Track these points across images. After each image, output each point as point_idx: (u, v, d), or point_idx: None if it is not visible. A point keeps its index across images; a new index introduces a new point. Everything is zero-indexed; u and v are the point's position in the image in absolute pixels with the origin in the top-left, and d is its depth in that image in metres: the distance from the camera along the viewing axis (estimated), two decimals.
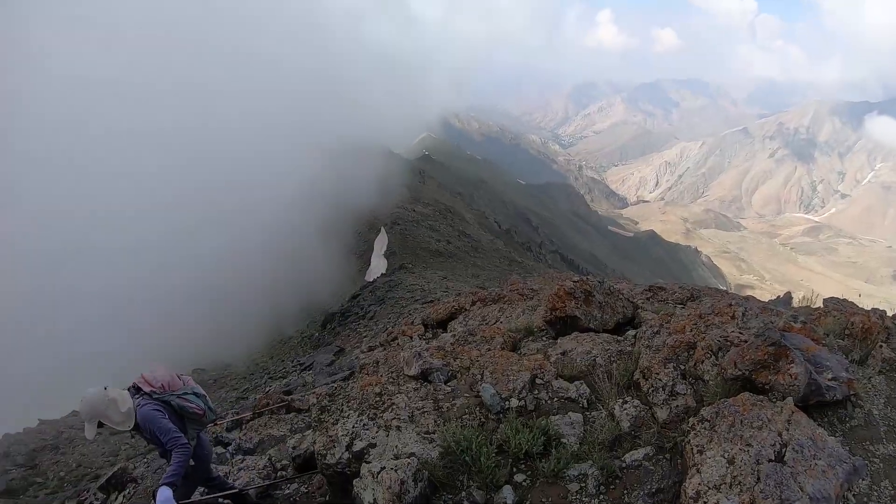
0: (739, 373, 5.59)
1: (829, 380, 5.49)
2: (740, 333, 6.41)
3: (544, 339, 9.05)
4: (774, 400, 5.23)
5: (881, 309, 10.51)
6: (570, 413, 6.02)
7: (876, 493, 4.65)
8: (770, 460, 4.50)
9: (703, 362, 6.13)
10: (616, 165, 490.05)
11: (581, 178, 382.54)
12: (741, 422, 4.85)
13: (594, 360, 7.22)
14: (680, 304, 12.11)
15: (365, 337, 30.19)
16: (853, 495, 4.60)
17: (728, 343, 6.21)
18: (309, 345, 40.81)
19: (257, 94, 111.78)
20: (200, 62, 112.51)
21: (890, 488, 4.71)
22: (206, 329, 52.89)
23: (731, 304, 7.64)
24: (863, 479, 4.73)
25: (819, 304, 10.99)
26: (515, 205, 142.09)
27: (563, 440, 5.63)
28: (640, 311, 9.82)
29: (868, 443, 5.25)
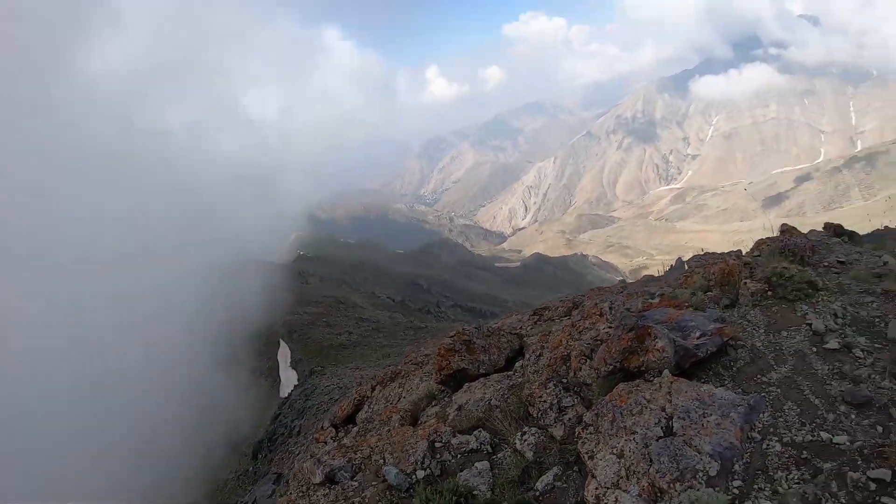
0: (611, 367, 5.72)
1: (697, 338, 5.68)
2: (609, 329, 6.62)
3: (445, 399, 9.04)
4: (652, 378, 5.39)
5: (736, 250, 11.16)
6: (475, 464, 6.04)
7: (782, 419, 4.74)
8: (659, 438, 4.59)
9: (580, 369, 6.28)
10: (483, 206, 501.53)
11: (455, 228, 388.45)
12: (621, 414, 4.96)
13: (489, 403, 7.27)
14: (566, 316, 12.33)
15: (297, 455, 29.34)
16: (757, 432, 4.64)
17: (599, 342, 6.40)
18: (247, 481, 39.30)
19: (127, 229, 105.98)
20: (56, 194, 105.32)
21: (795, 408, 4.84)
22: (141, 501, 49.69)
23: (597, 304, 7.88)
24: (763, 413, 4.81)
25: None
26: (402, 275, 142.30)
27: (475, 492, 5.63)
28: (525, 339, 9.99)
29: (760, 375, 5.39)
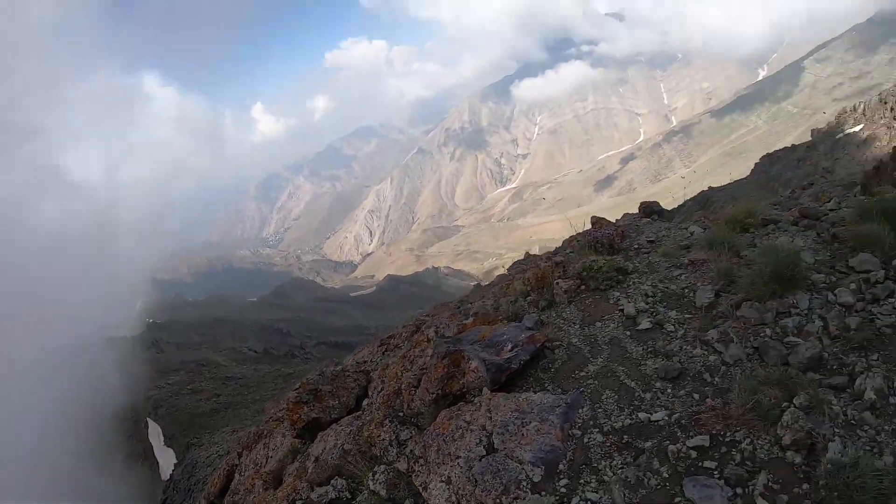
0: (434, 395, 5.96)
1: (509, 350, 6.00)
2: (432, 357, 6.93)
3: (305, 451, 9.04)
4: (474, 398, 5.65)
5: (550, 251, 11.86)
6: None
7: (601, 409, 4.98)
8: (482, 457, 4.80)
9: (413, 401, 6.44)
10: (328, 238, 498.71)
11: (304, 266, 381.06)
12: (444, 441, 5.22)
13: (342, 448, 7.40)
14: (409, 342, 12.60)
15: None
16: (578, 428, 4.84)
17: (424, 371, 6.54)
18: None
19: None
20: None
21: (613, 395, 5.11)
22: None
23: (423, 331, 8.25)
24: (582, 408, 5.03)
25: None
26: (258, 323, 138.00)
27: None
28: (371, 374, 10.20)
29: (577, 371, 5.66)
